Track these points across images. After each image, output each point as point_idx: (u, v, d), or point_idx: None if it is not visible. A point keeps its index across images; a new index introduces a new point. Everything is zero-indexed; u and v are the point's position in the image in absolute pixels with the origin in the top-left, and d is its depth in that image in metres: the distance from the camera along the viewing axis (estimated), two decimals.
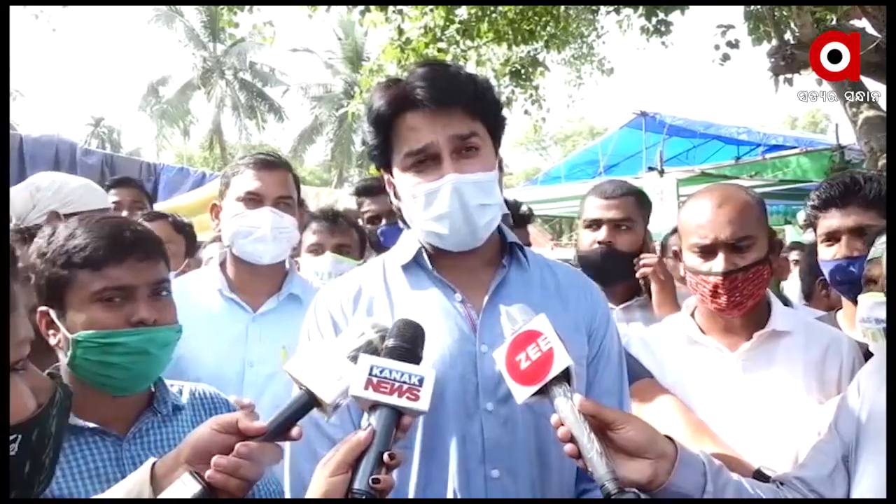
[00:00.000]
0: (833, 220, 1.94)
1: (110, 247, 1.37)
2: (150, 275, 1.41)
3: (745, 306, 1.72)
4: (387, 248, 2.84)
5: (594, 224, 2.43)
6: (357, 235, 2.89)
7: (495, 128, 1.46)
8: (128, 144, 35.28)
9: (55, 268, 1.37)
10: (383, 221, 2.91)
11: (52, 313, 1.39)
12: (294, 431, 1.13)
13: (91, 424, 1.38)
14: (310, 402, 1.14)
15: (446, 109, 1.38)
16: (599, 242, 2.39)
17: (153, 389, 1.49)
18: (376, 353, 1.19)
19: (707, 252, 1.71)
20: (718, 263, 1.69)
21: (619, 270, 2.41)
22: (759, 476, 1.46)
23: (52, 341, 1.40)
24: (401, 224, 1.57)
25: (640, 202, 2.49)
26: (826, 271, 2.02)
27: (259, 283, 2.18)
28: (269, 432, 1.11)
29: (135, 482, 1.15)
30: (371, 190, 3.02)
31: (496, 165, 1.45)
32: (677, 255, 1.89)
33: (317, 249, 2.72)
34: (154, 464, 1.16)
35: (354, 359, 1.17)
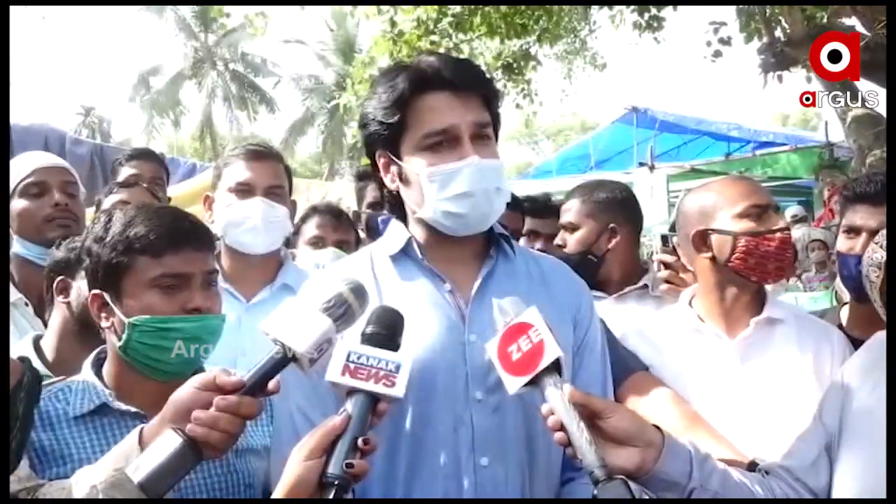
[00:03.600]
0: (858, 215, 1.96)
1: (169, 235, 1.41)
2: (204, 264, 1.45)
3: (788, 271, 1.79)
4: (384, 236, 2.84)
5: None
6: (354, 234, 2.88)
7: (497, 123, 1.50)
8: (118, 134, 34.99)
9: (114, 253, 1.41)
10: (385, 210, 2.90)
11: (107, 297, 1.43)
12: (271, 384, 1.17)
13: (133, 409, 1.42)
14: (285, 356, 1.17)
15: (467, 95, 1.41)
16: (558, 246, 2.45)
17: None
18: (347, 306, 1.21)
19: (764, 213, 1.76)
20: (780, 222, 1.77)
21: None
22: (753, 468, 1.48)
23: (105, 324, 1.45)
24: (388, 212, 1.57)
25: (585, 202, 2.43)
26: (838, 261, 2.06)
27: (253, 273, 2.18)
28: (246, 387, 1.15)
29: (124, 448, 1.19)
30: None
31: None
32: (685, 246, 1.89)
33: (317, 242, 2.72)
34: (142, 429, 1.20)
35: (326, 311, 1.19)
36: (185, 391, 1.19)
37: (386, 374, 1.14)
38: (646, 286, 2.45)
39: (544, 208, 2.89)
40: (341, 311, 1.21)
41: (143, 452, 1.13)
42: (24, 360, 1.07)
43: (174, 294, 1.40)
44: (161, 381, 1.43)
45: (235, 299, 2.12)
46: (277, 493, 1.11)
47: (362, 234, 2.99)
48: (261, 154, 2.20)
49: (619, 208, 2.43)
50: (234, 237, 2.14)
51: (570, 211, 2.44)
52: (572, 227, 2.42)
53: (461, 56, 7.65)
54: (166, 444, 1.11)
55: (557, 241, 2.47)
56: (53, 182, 2.34)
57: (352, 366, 1.14)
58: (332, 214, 2.81)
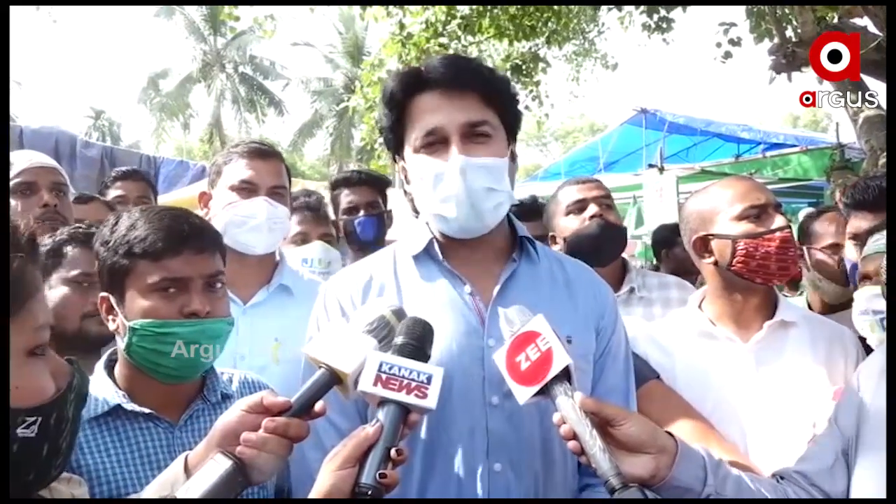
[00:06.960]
0: (861, 222, 1.95)
1: (168, 238, 1.41)
2: (205, 267, 1.44)
3: (793, 270, 1.78)
4: (362, 239, 2.84)
5: (579, 205, 2.41)
6: (335, 228, 2.93)
7: (510, 120, 1.47)
8: (128, 137, 35.30)
9: (116, 256, 1.42)
10: (361, 212, 2.90)
11: (112, 299, 1.44)
12: (318, 406, 1.15)
13: (146, 410, 1.43)
14: (331, 378, 1.16)
15: (459, 93, 1.40)
16: (592, 217, 2.36)
17: (204, 377, 1.52)
18: (390, 329, 1.21)
19: (762, 212, 1.74)
20: (780, 220, 1.74)
21: (617, 242, 2.43)
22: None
23: (112, 326, 1.46)
24: (412, 213, 1.56)
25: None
26: (849, 268, 2.05)
27: (249, 274, 2.12)
28: (294, 409, 1.14)
29: (169, 476, 1.17)
30: (349, 181, 3.01)
31: (508, 155, 1.45)
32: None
33: (303, 238, 2.74)
34: (187, 456, 1.18)
35: (370, 332, 1.19)
36: (233, 414, 1.17)
37: (418, 385, 1.13)
38: (632, 289, 2.45)
39: (530, 211, 2.85)
40: (385, 333, 1.21)
41: (192, 476, 1.11)
42: (72, 362, 1.06)
43: (173, 298, 1.40)
44: (164, 383, 1.44)
45: (232, 302, 2.01)
46: None
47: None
48: (264, 153, 2.14)
49: None
50: (234, 236, 2.06)
51: (603, 187, 2.50)
52: (610, 203, 2.45)
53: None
54: (216, 467, 1.09)
55: (597, 211, 2.38)
56: (43, 182, 2.28)
57: (384, 376, 1.13)
58: (311, 209, 2.84)
